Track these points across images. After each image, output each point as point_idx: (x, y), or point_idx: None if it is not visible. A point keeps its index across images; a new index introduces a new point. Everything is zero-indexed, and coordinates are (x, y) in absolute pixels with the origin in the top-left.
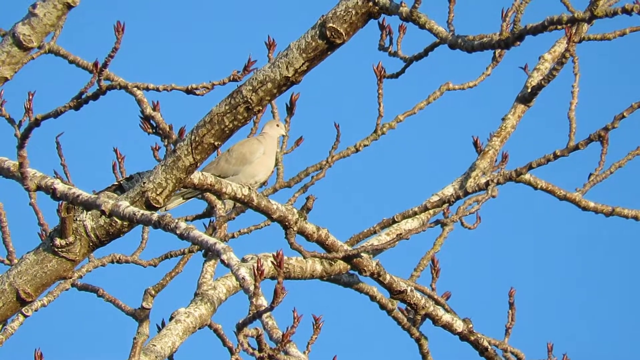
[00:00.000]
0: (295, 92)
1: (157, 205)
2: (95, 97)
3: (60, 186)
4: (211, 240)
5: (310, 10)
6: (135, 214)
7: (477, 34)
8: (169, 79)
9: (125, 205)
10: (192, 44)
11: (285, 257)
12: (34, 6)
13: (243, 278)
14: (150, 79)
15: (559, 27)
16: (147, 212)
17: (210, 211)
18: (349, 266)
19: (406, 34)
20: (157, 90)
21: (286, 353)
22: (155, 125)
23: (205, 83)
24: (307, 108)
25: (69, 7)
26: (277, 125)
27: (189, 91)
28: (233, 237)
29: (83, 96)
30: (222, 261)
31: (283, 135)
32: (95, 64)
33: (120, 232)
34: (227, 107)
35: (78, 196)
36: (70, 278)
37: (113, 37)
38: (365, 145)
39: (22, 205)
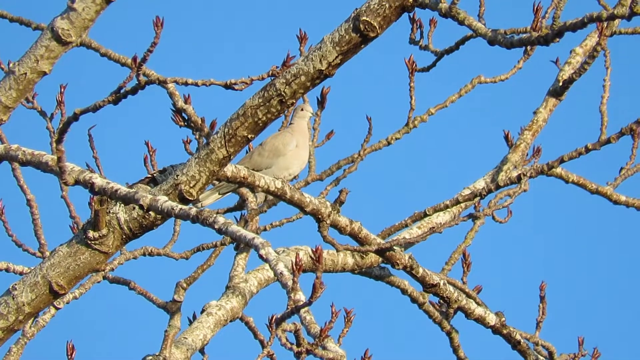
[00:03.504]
0: (327, 85)
1: (190, 198)
2: (134, 91)
3: (98, 181)
4: (249, 235)
5: (341, 2)
6: (173, 209)
7: (507, 28)
8: (199, 74)
9: (163, 199)
10: (220, 38)
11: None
12: (72, 1)
13: (281, 273)
14: (182, 74)
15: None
16: (185, 207)
17: (242, 204)
18: (380, 259)
19: (437, 27)
20: (196, 85)
21: (324, 348)
22: (187, 118)
23: (244, 78)
24: (338, 101)
25: (108, 1)
26: (302, 110)
27: (227, 86)
28: (265, 229)
29: (122, 91)
30: (260, 256)
31: (313, 115)
32: (134, 59)
33: (154, 225)
34: (260, 100)
35: (116, 190)
36: (103, 270)
37: (144, 32)
38: (397, 139)
39: (52, 197)
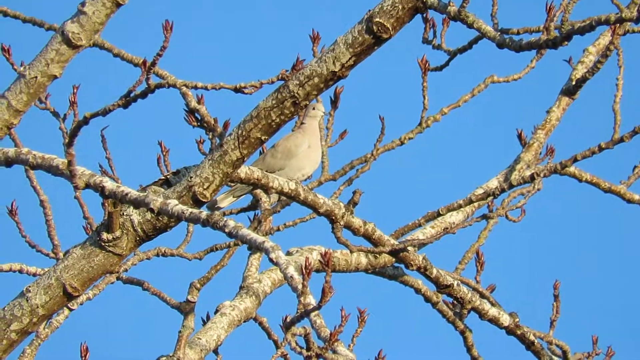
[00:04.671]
0: (340, 85)
1: (204, 200)
2: (144, 95)
3: (109, 184)
4: (259, 238)
5: (353, 2)
6: (184, 213)
7: (520, 27)
8: (210, 76)
9: (174, 203)
10: (229, 37)
11: (330, 251)
12: (82, 4)
13: (291, 277)
14: (193, 76)
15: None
16: (196, 211)
17: (255, 204)
18: (393, 259)
19: (450, 27)
20: (206, 89)
21: (334, 352)
22: (200, 118)
23: (254, 82)
24: (351, 101)
25: (118, 5)
26: (314, 109)
27: (237, 90)
28: (278, 230)
29: (132, 94)
30: (271, 260)
31: (325, 114)
32: (144, 63)
33: (167, 227)
34: (274, 102)
35: (127, 194)
36: (117, 272)
37: (155, 33)
38: (410, 138)
39: (65, 198)
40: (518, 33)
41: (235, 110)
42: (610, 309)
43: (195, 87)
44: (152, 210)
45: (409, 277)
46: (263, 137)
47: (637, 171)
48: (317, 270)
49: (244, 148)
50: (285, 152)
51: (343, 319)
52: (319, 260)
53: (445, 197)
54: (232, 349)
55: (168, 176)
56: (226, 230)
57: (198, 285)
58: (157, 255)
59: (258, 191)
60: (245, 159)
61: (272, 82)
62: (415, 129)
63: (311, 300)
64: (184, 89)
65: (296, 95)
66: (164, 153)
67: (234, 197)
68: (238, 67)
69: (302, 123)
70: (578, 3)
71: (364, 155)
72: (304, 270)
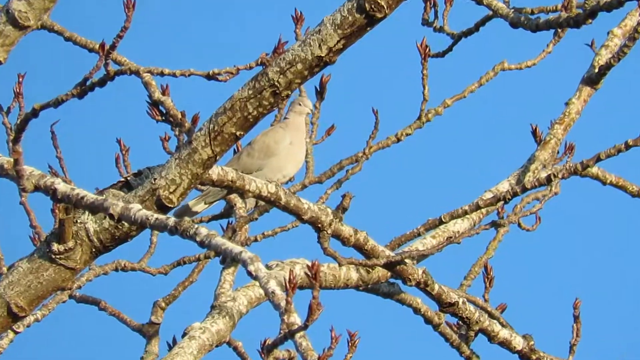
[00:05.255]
0: (326, 73)
1: (170, 205)
2: (102, 83)
3: (61, 186)
4: (236, 248)
5: None
6: (148, 219)
7: (535, 6)
8: (178, 63)
9: (136, 208)
10: (201, 18)
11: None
12: None
13: (273, 292)
14: (161, 63)
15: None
16: (162, 217)
17: (229, 211)
18: (388, 274)
19: (453, 6)
20: (174, 76)
21: None
22: (165, 111)
23: (229, 68)
24: (340, 91)
25: None
26: (300, 104)
27: (210, 77)
28: (256, 240)
29: (88, 83)
30: (249, 273)
31: (310, 113)
32: (102, 46)
33: (128, 236)
34: (250, 92)
35: (82, 198)
36: (69, 289)
37: (114, 14)
38: (407, 134)
39: (9, 203)
40: (532, 13)
41: (206, 103)
42: (638, 331)
43: (162, 74)
44: (111, 216)
45: (406, 295)
46: (238, 133)
47: None
48: (301, 287)
49: (216, 145)
50: (263, 150)
51: (333, 341)
52: (305, 273)
53: (449, 203)
54: None
55: (128, 178)
56: (197, 239)
57: (163, 305)
58: (116, 269)
59: (232, 196)
60: (217, 157)
61: (251, 68)
62: (413, 123)
63: (296, 319)
64: (148, 76)
65: (277, 84)
66: (124, 152)
67: (205, 203)
68: (211, 52)
69: (285, 118)
70: None
71: (355, 154)
72: (287, 285)
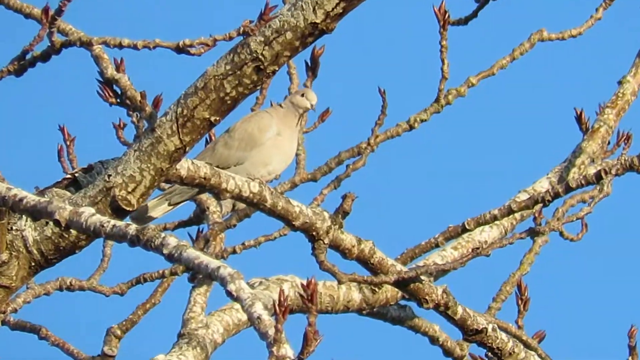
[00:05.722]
0: (320, 45)
1: (127, 208)
2: (45, 57)
3: None
4: (213, 263)
5: None
6: (103, 226)
7: None
8: (145, 33)
9: (88, 212)
10: None
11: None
12: None
13: (259, 317)
14: (118, 33)
15: None
16: (121, 223)
17: (200, 216)
18: (399, 294)
19: None
20: (135, 48)
21: None
22: (120, 92)
23: (204, 38)
24: (337, 67)
25: None
26: (302, 95)
27: (180, 49)
28: (234, 252)
29: (28, 57)
30: (229, 293)
31: (313, 108)
32: (45, 11)
33: (75, 247)
34: (228, 68)
35: (21, 200)
36: (3, 312)
37: None
38: (422, 121)
39: None
40: None
41: (174, 82)
42: None
43: (120, 46)
44: (57, 223)
45: (421, 321)
46: (213, 118)
47: None
48: (292, 311)
49: (185, 134)
50: (244, 139)
51: None
52: (299, 294)
53: (474, 206)
54: None
55: (76, 175)
56: (165, 251)
57: (119, 332)
58: (60, 288)
59: (204, 197)
60: (187, 149)
61: (231, 39)
62: (430, 107)
63: (288, 351)
64: (99, 50)
65: (260, 57)
66: (68, 142)
67: (169, 204)
68: (182, 20)
69: (278, 104)
70: None
71: (357, 145)
72: (277, 308)
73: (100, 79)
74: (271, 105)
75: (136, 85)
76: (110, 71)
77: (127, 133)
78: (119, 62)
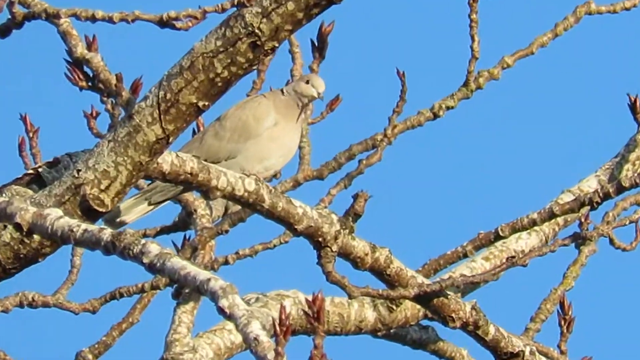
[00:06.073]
0: (328, 20)
1: (100, 210)
2: (3, 32)
3: None
4: (202, 274)
5: None
6: (72, 231)
7: None
8: (123, 5)
9: (55, 215)
10: None
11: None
12: None
13: (256, 339)
14: (91, 5)
15: None
16: (94, 227)
17: (186, 220)
18: (420, 312)
19: None
20: (110, 21)
21: None
22: (92, 74)
23: (192, 10)
24: (348, 47)
25: None
26: (308, 82)
27: (164, 23)
28: (226, 263)
29: None
30: (221, 310)
31: (321, 97)
32: None
33: (39, 255)
34: (219, 44)
35: None
36: None
37: None
38: (448, 108)
39: None
40: None
41: (157, 62)
42: None
43: (92, 19)
44: (18, 227)
45: (446, 344)
46: (201, 103)
47: None
48: (295, 332)
49: (168, 121)
50: (238, 129)
51: None
52: (304, 311)
53: (509, 208)
54: None
55: (40, 170)
56: (145, 260)
57: (90, 357)
58: (21, 305)
59: (191, 197)
60: (170, 139)
61: (223, 11)
62: (457, 92)
63: None
64: (67, 24)
65: (257, 31)
66: (31, 134)
67: (149, 203)
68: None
69: (280, 89)
70: None
71: (372, 137)
72: (277, 328)
73: (69, 59)
74: (253, 87)
75: (111, 67)
76: (81, 50)
77: (101, 123)
78: (90, 39)
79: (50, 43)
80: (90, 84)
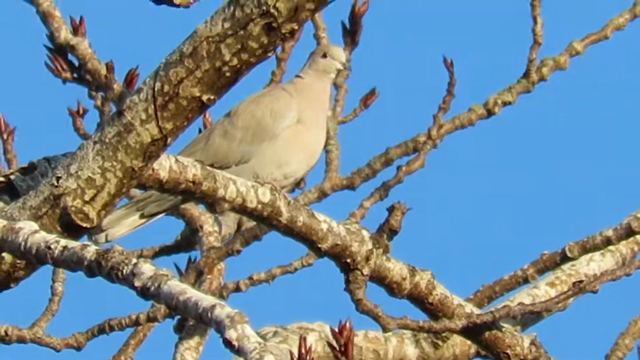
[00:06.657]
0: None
1: (84, 224)
2: None
3: None
4: (206, 300)
5: None
6: (50, 248)
7: None
8: None
9: (29, 229)
10: None
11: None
12: None
13: None
14: None
15: None
16: (76, 244)
17: (190, 239)
18: (471, 348)
19: None
20: None
21: None
22: (78, 64)
23: None
24: (384, 32)
25: None
26: (325, 56)
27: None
28: (237, 290)
29: None
30: (227, 343)
31: (345, 67)
32: None
33: (10, 280)
34: (227, 26)
35: None
36: None
37: None
38: (505, 103)
39: None
40: None
41: (153, 49)
42: None
43: None
44: None
45: None
46: (205, 97)
47: None
48: None
49: (166, 119)
50: (251, 128)
51: None
52: (329, 344)
53: (578, 225)
54: None
55: (12, 177)
56: (137, 283)
57: None
58: None
59: (197, 211)
60: (168, 140)
61: None
62: (516, 84)
63: None
64: (47, 4)
65: (272, 10)
66: (6, 135)
67: (143, 215)
68: None
69: (296, 76)
70: None
71: (413, 139)
72: None
73: (50, 46)
74: (272, 79)
75: (100, 54)
76: (65, 34)
77: (89, 122)
78: (77, 21)
79: (29, 26)
80: (75, 75)
